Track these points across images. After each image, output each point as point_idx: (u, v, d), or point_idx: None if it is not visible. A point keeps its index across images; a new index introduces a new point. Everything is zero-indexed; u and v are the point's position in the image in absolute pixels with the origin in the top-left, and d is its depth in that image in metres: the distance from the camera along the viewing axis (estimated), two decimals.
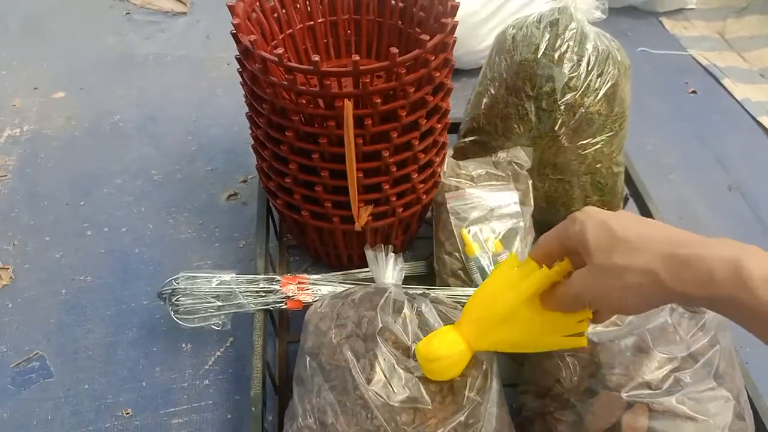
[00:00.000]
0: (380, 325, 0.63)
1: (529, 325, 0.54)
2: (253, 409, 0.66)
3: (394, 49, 0.62)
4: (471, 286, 0.79)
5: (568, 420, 0.63)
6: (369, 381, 0.59)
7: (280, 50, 0.63)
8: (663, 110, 1.30)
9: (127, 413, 0.76)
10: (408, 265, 0.86)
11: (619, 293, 0.45)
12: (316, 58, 0.62)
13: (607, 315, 0.54)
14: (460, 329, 0.57)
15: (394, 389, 0.59)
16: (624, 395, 0.60)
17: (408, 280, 0.86)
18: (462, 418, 0.58)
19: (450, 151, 0.90)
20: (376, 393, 0.58)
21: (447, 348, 0.56)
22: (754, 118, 1.29)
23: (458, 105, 1.18)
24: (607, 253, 0.45)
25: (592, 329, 0.66)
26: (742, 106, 1.32)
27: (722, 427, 0.59)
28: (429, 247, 0.87)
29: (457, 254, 0.80)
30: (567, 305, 0.51)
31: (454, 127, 0.98)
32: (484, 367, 0.63)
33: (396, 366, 0.61)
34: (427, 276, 0.87)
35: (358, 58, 0.62)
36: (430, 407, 0.59)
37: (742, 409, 0.61)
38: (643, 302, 0.45)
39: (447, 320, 0.67)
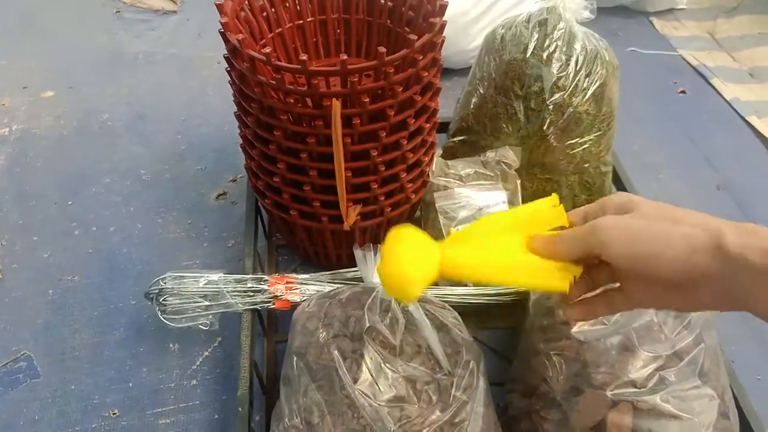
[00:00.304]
0: (367, 325, 0.63)
1: (509, 253, 0.49)
2: (240, 409, 0.66)
3: (382, 49, 0.62)
4: (459, 285, 0.79)
5: (553, 419, 0.63)
6: (355, 380, 0.59)
7: (268, 49, 0.63)
8: (652, 110, 1.31)
9: (113, 414, 0.76)
10: None
11: (655, 239, 0.39)
12: (304, 57, 0.62)
13: (627, 283, 0.46)
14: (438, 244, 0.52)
15: (381, 388, 0.59)
16: (609, 394, 0.60)
17: None
18: (448, 417, 0.58)
19: (439, 151, 0.90)
20: (362, 392, 0.59)
21: (415, 253, 0.51)
22: (742, 118, 1.29)
23: (448, 104, 1.18)
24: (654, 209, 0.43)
25: (577, 328, 0.66)
26: (731, 106, 1.33)
27: (707, 426, 0.59)
28: None
29: None
30: (568, 243, 0.45)
31: (443, 127, 0.98)
32: (471, 366, 0.63)
33: (383, 365, 0.61)
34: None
35: (345, 57, 0.62)
36: (416, 406, 0.59)
37: (727, 407, 0.61)
38: (682, 257, 0.38)
39: (434, 319, 0.67)
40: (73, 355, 0.82)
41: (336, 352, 0.62)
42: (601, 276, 0.50)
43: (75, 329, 0.85)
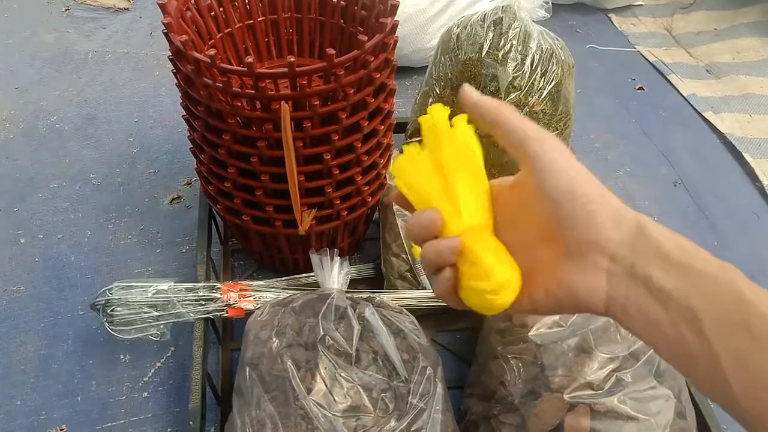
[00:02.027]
0: (321, 333, 0.62)
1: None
2: (191, 423, 0.64)
3: (330, 50, 0.60)
4: (418, 288, 0.78)
5: (512, 423, 0.63)
6: (309, 391, 0.58)
7: (212, 51, 0.61)
8: (610, 106, 1.32)
9: (61, 429, 0.73)
10: (355, 268, 0.85)
11: (595, 185, 0.35)
12: (250, 59, 0.59)
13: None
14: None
15: (336, 399, 0.58)
16: (566, 397, 0.60)
17: (356, 283, 0.85)
18: (405, 425, 0.57)
19: (396, 152, 0.89)
20: (316, 403, 0.57)
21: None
22: (699, 114, 1.31)
23: (408, 104, 1.17)
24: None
25: (535, 331, 0.66)
26: (689, 102, 1.34)
27: (663, 426, 0.59)
28: (377, 248, 0.86)
29: (404, 256, 0.79)
30: (510, 117, 0.37)
31: (402, 127, 0.97)
32: (428, 372, 0.62)
33: (337, 375, 0.60)
34: (375, 278, 0.86)
35: (293, 59, 0.60)
36: (372, 415, 0.58)
37: (684, 407, 0.62)
38: (616, 214, 0.34)
39: (391, 325, 0.66)
40: (19, 369, 0.79)
41: (289, 363, 0.60)
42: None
43: (21, 342, 0.82)
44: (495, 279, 0.35)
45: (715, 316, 0.30)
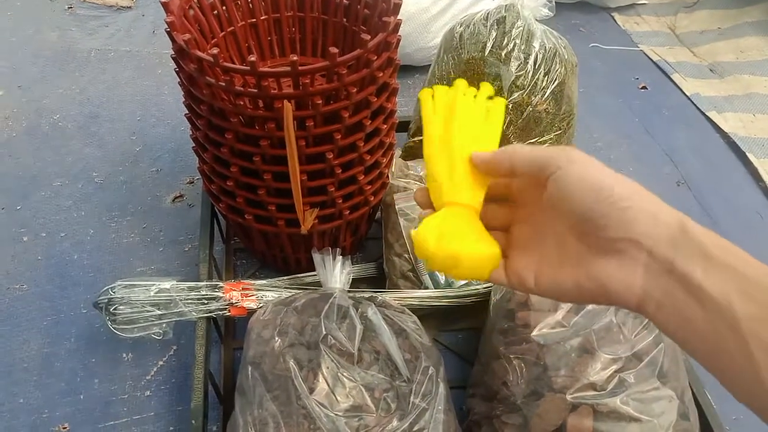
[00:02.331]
0: (324, 333, 0.62)
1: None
2: (193, 421, 0.64)
3: (333, 49, 0.60)
4: (421, 288, 0.78)
5: (514, 423, 0.63)
6: (312, 390, 0.58)
7: (215, 50, 0.61)
8: (613, 106, 1.31)
9: (64, 428, 0.73)
10: (357, 267, 0.85)
11: (628, 186, 0.36)
12: (253, 58, 0.59)
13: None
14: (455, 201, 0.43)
15: (338, 398, 0.58)
16: (569, 397, 0.60)
17: (358, 282, 0.85)
18: (407, 425, 0.57)
19: (398, 151, 0.89)
20: (319, 403, 0.57)
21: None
22: (703, 113, 1.31)
23: (410, 103, 1.17)
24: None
25: (537, 331, 0.65)
26: (692, 101, 1.34)
27: (666, 427, 0.59)
28: (380, 247, 0.86)
29: (406, 256, 0.79)
30: (527, 154, 0.39)
31: (404, 126, 0.97)
32: (430, 371, 0.62)
33: (340, 374, 0.60)
34: (377, 278, 0.86)
35: (296, 58, 0.60)
36: (374, 415, 0.58)
37: (687, 408, 0.61)
38: (651, 213, 0.34)
39: (393, 324, 0.66)
40: (22, 367, 0.79)
41: (292, 362, 0.60)
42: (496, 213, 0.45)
43: (23, 340, 0.82)
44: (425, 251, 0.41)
45: (754, 316, 0.30)
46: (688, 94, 1.36)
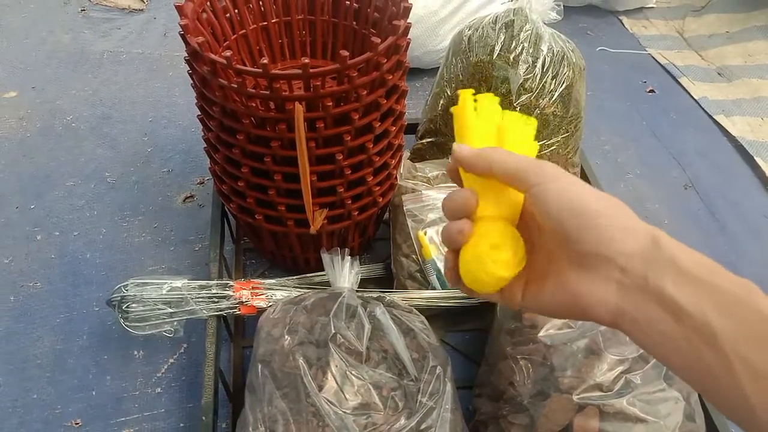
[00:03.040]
0: (332, 332, 0.63)
1: None
2: (204, 418, 0.65)
3: (344, 52, 0.61)
4: (428, 289, 0.79)
5: (521, 423, 0.63)
6: (321, 388, 0.59)
7: (229, 52, 0.62)
8: (621, 109, 1.32)
9: (76, 424, 0.74)
10: (365, 267, 0.85)
11: (609, 205, 0.35)
12: (265, 60, 0.60)
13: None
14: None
15: (346, 396, 0.59)
16: (575, 398, 0.60)
17: (366, 282, 0.86)
18: (414, 424, 0.58)
19: (407, 153, 0.90)
20: (327, 400, 0.58)
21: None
22: (711, 117, 1.31)
23: (418, 105, 1.17)
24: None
25: (544, 332, 0.66)
26: (700, 105, 1.34)
27: (672, 429, 0.59)
28: (387, 248, 0.86)
29: (414, 256, 0.80)
30: (505, 160, 0.38)
31: (412, 128, 0.98)
32: (437, 371, 0.63)
33: (348, 372, 0.61)
34: (385, 278, 0.87)
35: (307, 60, 0.61)
36: (382, 413, 0.59)
37: (693, 410, 0.62)
38: (630, 235, 0.34)
39: (401, 324, 0.67)
40: (35, 364, 0.80)
41: (301, 360, 0.61)
42: None
43: (37, 337, 0.83)
44: (501, 252, 0.38)
45: (733, 331, 0.30)
46: (696, 97, 1.36)
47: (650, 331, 0.33)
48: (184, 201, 1.02)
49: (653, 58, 1.50)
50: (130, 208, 1.01)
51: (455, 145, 0.40)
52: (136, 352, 0.81)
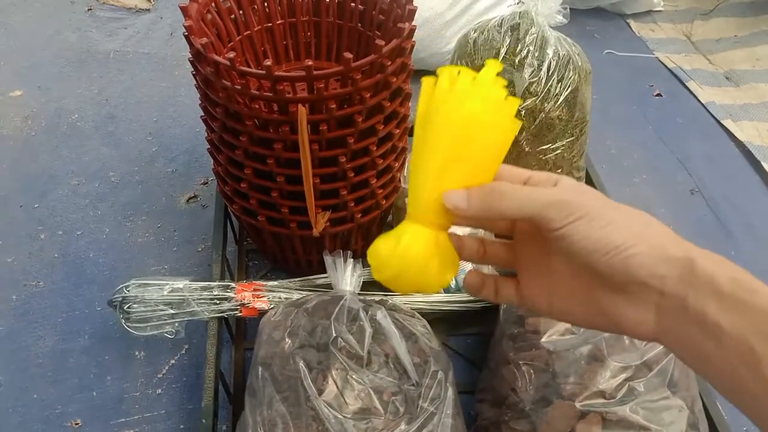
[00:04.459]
0: (334, 335, 0.62)
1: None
2: (204, 420, 0.65)
3: (348, 54, 0.61)
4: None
5: (522, 429, 0.63)
6: (321, 392, 0.58)
7: (232, 54, 0.62)
8: (628, 113, 1.31)
9: (76, 424, 0.74)
10: (368, 270, 0.85)
11: (629, 229, 0.34)
12: (269, 62, 0.60)
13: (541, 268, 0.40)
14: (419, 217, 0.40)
15: (347, 400, 0.59)
16: (578, 405, 0.60)
17: (369, 285, 0.85)
18: (415, 429, 0.57)
19: (410, 156, 0.89)
20: (327, 404, 0.58)
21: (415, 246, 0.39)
22: (718, 122, 1.30)
23: None
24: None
25: (547, 338, 0.66)
26: (707, 109, 1.33)
27: None
28: None
29: None
30: (516, 200, 0.36)
31: None
32: (439, 376, 0.62)
33: (349, 377, 0.60)
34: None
35: (311, 63, 0.60)
36: (382, 418, 0.58)
37: (697, 418, 0.61)
38: (654, 258, 0.34)
39: (403, 328, 0.66)
40: (36, 363, 0.80)
41: (301, 363, 0.61)
42: (500, 252, 0.43)
43: (38, 336, 0.83)
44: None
45: None
46: (703, 102, 1.35)
47: (692, 351, 0.33)
48: (187, 201, 1.02)
49: (660, 61, 1.49)
50: (134, 207, 1.01)
51: (446, 195, 0.36)
52: (137, 353, 0.81)
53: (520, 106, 0.80)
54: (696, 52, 1.55)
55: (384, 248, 0.41)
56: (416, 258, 0.39)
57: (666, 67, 1.47)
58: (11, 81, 1.28)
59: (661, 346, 0.62)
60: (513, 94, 0.80)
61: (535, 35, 0.80)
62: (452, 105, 0.36)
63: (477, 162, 0.37)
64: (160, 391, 0.78)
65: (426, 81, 0.38)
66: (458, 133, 0.36)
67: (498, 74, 0.37)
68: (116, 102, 1.23)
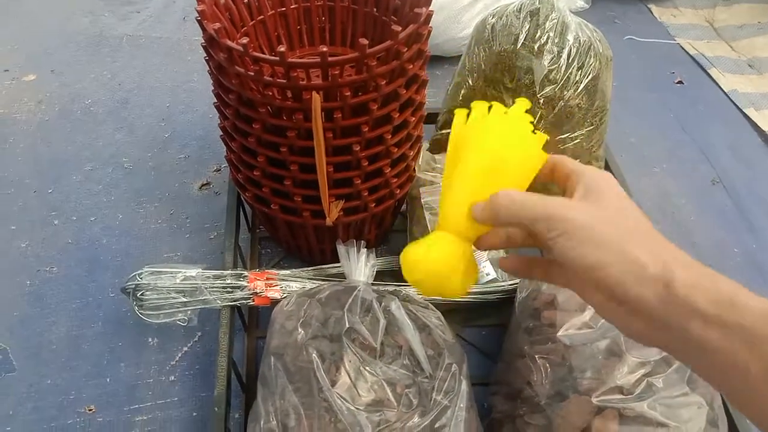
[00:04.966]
0: (347, 326, 0.62)
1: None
2: (216, 409, 0.64)
3: (363, 40, 0.60)
4: None
5: (537, 424, 0.62)
6: (334, 384, 0.58)
7: (245, 40, 0.60)
8: (648, 101, 1.28)
9: (90, 410, 0.74)
10: (382, 260, 0.84)
11: (607, 250, 0.36)
12: (282, 48, 0.59)
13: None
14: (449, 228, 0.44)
15: (360, 392, 0.58)
16: (594, 400, 0.59)
17: (383, 275, 0.85)
18: (428, 422, 0.57)
19: (426, 144, 0.88)
20: (340, 396, 0.57)
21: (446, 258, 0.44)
22: (740, 110, 1.27)
23: (439, 94, 1.15)
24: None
25: (564, 331, 0.64)
26: (729, 98, 1.30)
27: None
28: (405, 240, 0.85)
29: None
30: (512, 212, 0.40)
31: (432, 117, 0.96)
32: (453, 368, 0.62)
33: (362, 368, 0.60)
34: (401, 271, 0.85)
35: (325, 49, 0.59)
36: (395, 411, 0.58)
37: (716, 415, 0.60)
38: (629, 282, 0.35)
39: (416, 320, 0.65)
40: (50, 349, 0.80)
41: (314, 354, 0.60)
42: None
43: (52, 322, 0.83)
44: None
45: (762, 366, 0.31)
46: (725, 89, 1.32)
47: (686, 360, 0.35)
48: (200, 188, 1.02)
49: (682, 48, 1.45)
50: (147, 194, 1.01)
51: (474, 208, 0.42)
52: (150, 340, 0.81)
53: (539, 94, 0.78)
54: (718, 38, 1.51)
55: (414, 254, 0.45)
56: (442, 268, 0.44)
57: (687, 53, 1.43)
58: (25, 65, 1.28)
59: None
60: (532, 81, 0.79)
61: (555, 21, 0.78)
62: (483, 136, 0.43)
63: (503, 186, 0.42)
64: (173, 378, 0.77)
65: (458, 112, 0.45)
66: (487, 161, 0.42)
67: (527, 111, 0.43)
68: (129, 87, 1.22)
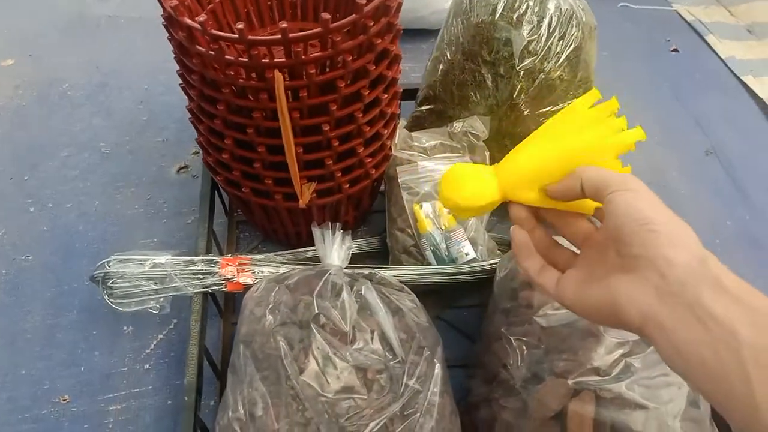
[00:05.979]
0: (316, 312, 0.60)
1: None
2: (186, 398, 0.63)
3: (326, 15, 0.57)
4: (423, 264, 0.76)
5: (512, 407, 0.60)
6: (301, 371, 0.56)
7: (203, 17, 0.58)
8: (642, 70, 1.24)
9: (64, 400, 0.73)
10: (360, 241, 0.82)
11: (677, 225, 0.38)
12: (241, 25, 0.56)
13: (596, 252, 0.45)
14: (500, 175, 0.49)
15: (328, 380, 0.56)
16: (571, 382, 0.57)
17: (362, 257, 0.83)
18: (397, 409, 0.55)
19: (403, 122, 0.85)
20: (308, 384, 0.56)
21: (479, 198, 0.49)
22: (738, 78, 1.23)
23: (422, 69, 1.12)
24: None
25: (541, 312, 0.62)
26: (726, 65, 1.26)
27: (674, 415, 0.56)
28: (384, 221, 0.83)
29: (409, 230, 0.76)
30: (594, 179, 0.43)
31: (412, 94, 0.93)
32: (426, 353, 0.60)
33: (331, 354, 0.58)
34: (382, 252, 0.84)
35: (285, 24, 0.56)
36: (366, 397, 0.56)
37: (697, 396, 0.58)
38: (693, 247, 0.37)
39: (390, 303, 0.64)
40: (25, 338, 0.79)
41: (282, 341, 0.58)
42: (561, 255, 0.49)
43: (27, 311, 0.82)
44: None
45: (756, 343, 0.31)
46: (723, 57, 1.28)
47: (675, 338, 0.35)
48: (178, 171, 0.99)
49: (679, 14, 1.41)
50: (124, 178, 0.99)
51: (549, 188, 0.46)
52: (125, 328, 0.80)
53: (518, 67, 0.75)
54: (716, 3, 1.47)
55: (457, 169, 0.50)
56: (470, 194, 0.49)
57: (684, 20, 1.39)
58: (3, 49, 1.25)
59: None
60: (511, 54, 0.76)
61: None
62: (578, 127, 0.47)
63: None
64: (147, 366, 0.76)
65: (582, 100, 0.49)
66: (574, 149, 0.46)
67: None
68: (107, 69, 1.20)
